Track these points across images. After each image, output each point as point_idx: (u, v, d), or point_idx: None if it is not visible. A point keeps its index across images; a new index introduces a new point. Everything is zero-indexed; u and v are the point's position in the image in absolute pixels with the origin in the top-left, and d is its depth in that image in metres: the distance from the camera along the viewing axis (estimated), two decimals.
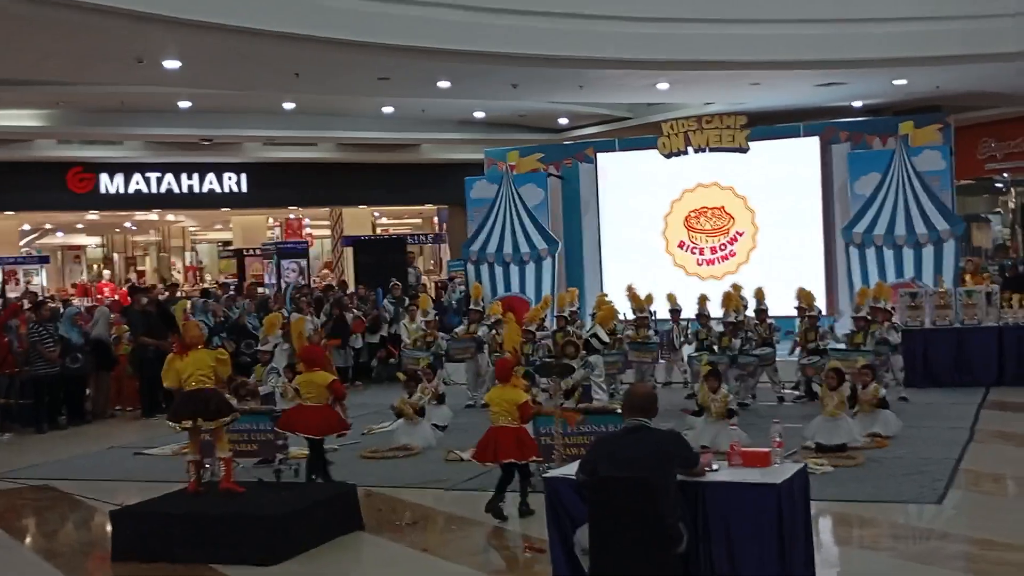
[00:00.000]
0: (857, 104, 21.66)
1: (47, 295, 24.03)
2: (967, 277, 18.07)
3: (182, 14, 12.62)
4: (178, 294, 21.02)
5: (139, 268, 39.94)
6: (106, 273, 36.94)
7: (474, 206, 21.69)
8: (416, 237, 35.73)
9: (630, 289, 15.62)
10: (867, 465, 10.21)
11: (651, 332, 15.06)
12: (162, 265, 40.15)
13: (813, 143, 19.93)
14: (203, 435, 8.94)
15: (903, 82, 18.65)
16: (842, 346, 13.90)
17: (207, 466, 9.53)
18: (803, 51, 16.24)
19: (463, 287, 21.31)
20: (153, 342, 15.46)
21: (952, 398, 13.99)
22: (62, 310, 16.80)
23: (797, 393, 14.46)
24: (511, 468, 8.95)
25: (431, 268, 36.36)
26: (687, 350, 15.41)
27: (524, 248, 20.85)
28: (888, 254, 18.40)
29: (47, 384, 15.11)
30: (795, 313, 15.02)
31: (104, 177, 26.28)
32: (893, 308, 14.52)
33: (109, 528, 8.84)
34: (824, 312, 18.10)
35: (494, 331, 15.11)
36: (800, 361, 14.38)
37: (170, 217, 35.37)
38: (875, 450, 10.82)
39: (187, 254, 41.39)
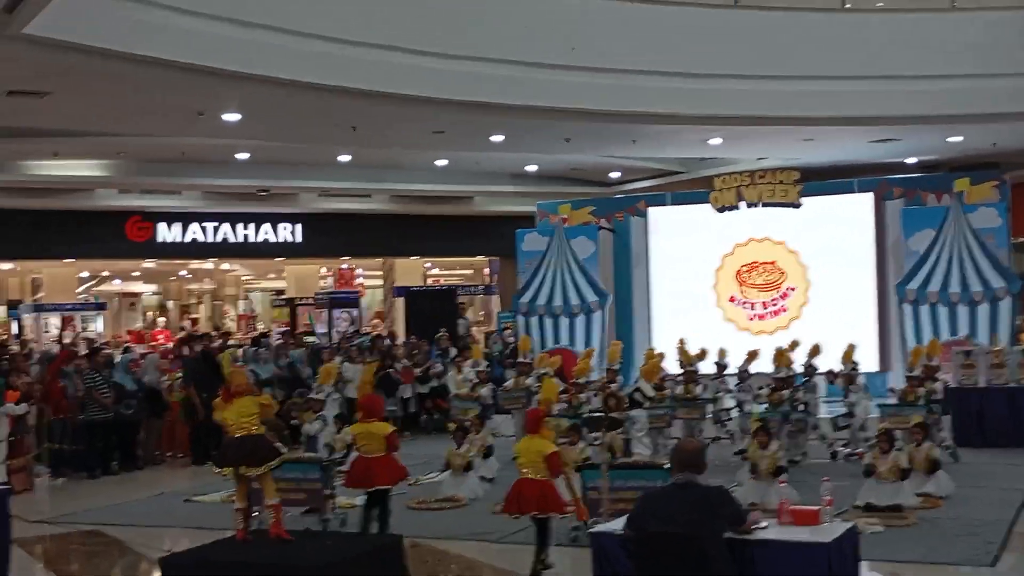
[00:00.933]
0: (911, 160, 21.57)
1: (103, 341, 24.38)
2: (1023, 336, 17.82)
3: (243, 68, 12.90)
4: (230, 342, 21.21)
5: (193, 316, 40.39)
6: (161, 320, 37.40)
7: (525, 258, 21.80)
8: (467, 288, 35.86)
9: (681, 343, 15.57)
10: (919, 526, 10.05)
11: (699, 388, 14.96)
12: (216, 313, 40.60)
13: (867, 199, 19.85)
14: (252, 483, 8.99)
15: (959, 139, 18.56)
16: (893, 401, 13.78)
17: (255, 513, 9.57)
18: (857, 107, 16.23)
19: (513, 338, 21.37)
20: (197, 399, 15.74)
21: (1007, 459, 13.75)
22: (117, 357, 17.03)
23: (848, 451, 14.29)
24: (540, 521, 8.83)
25: (481, 319, 36.44)
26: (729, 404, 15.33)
27: (574, 300, 20.88)
28: (942, 311, 18.23)
29: (100, 430, 15.30)
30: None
31: (162, 226, 26.72)
32: (938, 365, 14.35)
33: (157, 575, 8.89)
34: (877, 369, 17.97)
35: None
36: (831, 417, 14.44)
37: (225, 266, 35.82)
38: (927, 510, 10.66)
39: (240, 302, 41.81)
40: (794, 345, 14.94)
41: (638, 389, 13.39)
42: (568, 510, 9.20)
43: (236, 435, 8.57)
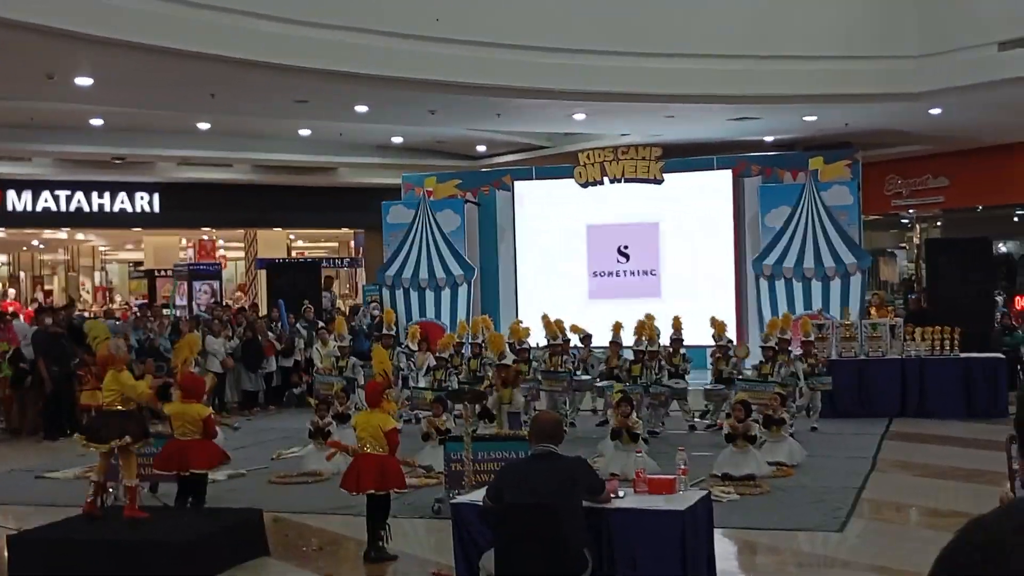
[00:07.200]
0: (769, 139, 22.08)
1: None
2: (872, 310, 18.49)
3: (94, 31, 12.44)
4: (76, 313, 20.50)
5: (46, 287, 39.08)
6: (11, 292, 36.08)
7: (391, 231, 21.69)
8: (332, 261, 35.50)
9: (544, 318, 15.72)
10: (772, 494, 10.38)
11: (564, 359, 15.10)
12: (70, 285, 39.33)
13: (726, 176, 20.30)
14: (112, 459, 8.75)
15: (813, 118, 19.06)
16: (751, 375, 14.16)
17: (110, 490, 9.34)
18: (716, 86, 16.53)
19: (377, 311, 21.25)
20: (45, 373, 15.32)
21: (856, 428, 14.27)
22: None
23: (707, 422, 14.63)
24: (375, 500, 8.50)
25: (347, 292, 36.15)
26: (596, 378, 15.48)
27: (440, 274, 20.87)
28: (797, 286, 18.78)
29: None
30: (709, 342, 15.29)
31: (11, 194, 25.69)
32: (801, 339, 14.82)
33: (6, 554, 8.62)
34: (735, 342, 18.36)
35: (411, 359, 15.10)
36: (705, 387, 14.71)
37: (80, 236, 34.71)
38: (780, 479, 11.00)
39: (97, 274, 40.60)
40: (650, 318, 15.13)
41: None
42: (408, 487, 9.04)
43: (104, 409, 8.38)
